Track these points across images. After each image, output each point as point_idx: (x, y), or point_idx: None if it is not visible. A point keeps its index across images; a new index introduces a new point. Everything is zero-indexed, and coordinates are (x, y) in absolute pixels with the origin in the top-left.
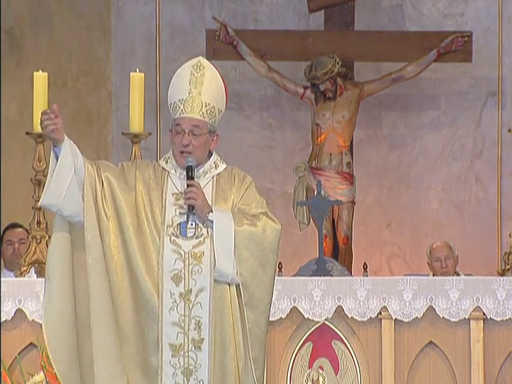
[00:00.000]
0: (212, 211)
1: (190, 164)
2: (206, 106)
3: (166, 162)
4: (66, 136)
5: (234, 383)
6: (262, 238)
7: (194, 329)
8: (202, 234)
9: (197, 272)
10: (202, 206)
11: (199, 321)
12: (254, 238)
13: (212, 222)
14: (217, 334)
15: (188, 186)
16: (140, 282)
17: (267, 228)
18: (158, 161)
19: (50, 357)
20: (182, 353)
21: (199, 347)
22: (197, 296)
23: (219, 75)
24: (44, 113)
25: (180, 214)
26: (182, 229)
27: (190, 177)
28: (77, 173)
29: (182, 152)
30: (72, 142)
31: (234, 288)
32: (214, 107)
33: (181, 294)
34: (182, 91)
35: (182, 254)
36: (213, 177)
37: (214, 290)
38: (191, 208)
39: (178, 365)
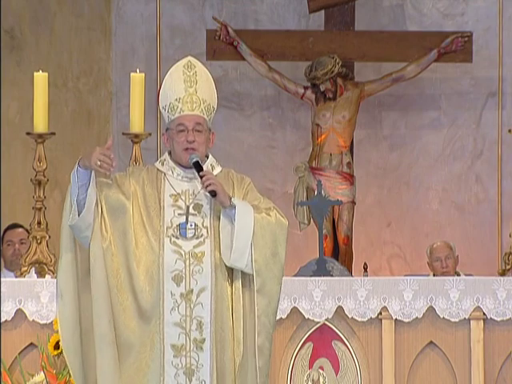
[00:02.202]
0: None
1: (196, 159)
2: (203, 102)
3: (162, 163)
4: None
5: (232, 383)
6: (275, 229)
7: (196, 329)
8: (202, 235)
9: (198, 272)
10: (223, 190)
11: (201, 321)
12: (270, 227)
13: (234, 207)
14: (217, 334)
15: (201, 177)
16: (139, 293)
17: (278, 221)
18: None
19: (70, 370)
20: (183, 353)
21: (201, 347)
22: (198, 296)
23: (209, 74)
24: (103, 153)
25: (179, 214)
26: (181, 230)
27: (199, 169)
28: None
29: (187, 149)
30: None
31: (234, 287)
32: (209, 104)
33: (182, 295)
34: (178, 90)
35: (183, 254)
36: None
37: (215, 290)
38: (214, 193)
39: (179, 365)
